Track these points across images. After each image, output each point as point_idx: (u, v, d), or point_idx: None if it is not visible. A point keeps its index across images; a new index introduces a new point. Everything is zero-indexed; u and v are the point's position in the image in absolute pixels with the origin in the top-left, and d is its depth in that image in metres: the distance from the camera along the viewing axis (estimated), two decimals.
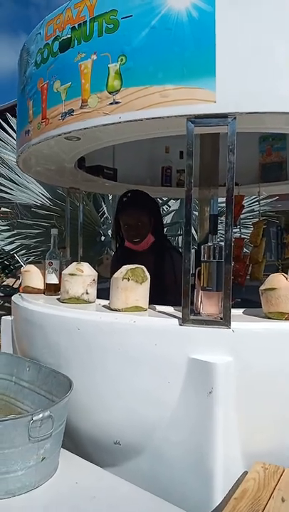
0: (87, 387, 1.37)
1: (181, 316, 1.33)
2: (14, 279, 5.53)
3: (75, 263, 1.68)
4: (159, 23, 1.27)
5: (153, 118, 1.28)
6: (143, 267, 1.47)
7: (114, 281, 1.45)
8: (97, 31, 1.36)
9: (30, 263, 2.01)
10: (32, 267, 1.96)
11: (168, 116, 1.27)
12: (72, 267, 1.65)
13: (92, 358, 1.38)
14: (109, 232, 4.12)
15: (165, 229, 4.33)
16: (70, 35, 1.44)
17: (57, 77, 1.48)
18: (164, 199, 4.58)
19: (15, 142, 4.89)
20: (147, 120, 1.29)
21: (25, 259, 4.93)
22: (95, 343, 1.37)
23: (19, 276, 5.25)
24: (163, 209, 4.52)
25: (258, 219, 3.19)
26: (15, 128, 5.02)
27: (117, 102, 1.32)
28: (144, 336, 1.29)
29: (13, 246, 5.00)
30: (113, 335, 1.34)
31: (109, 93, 1.33)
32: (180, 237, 4.73)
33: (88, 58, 1.38)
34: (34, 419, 1.10)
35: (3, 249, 5.66)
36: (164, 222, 4.30)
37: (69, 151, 1.80)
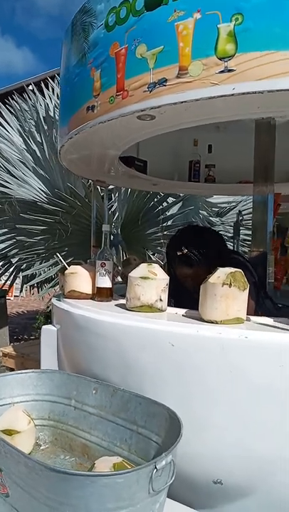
0: (183, 415, 1.12)
1: None
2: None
3: (144, 264, 1.42)
4: None
5: (278, 90, 1.06)
6: (241, 270, 1.24)
7: (209, 287, 1.21)
8: None
9: (74, 264, 1.74)
10: (79, 269, 1.69)
11: None
12: (143, 269, 1.40)
13: (191, 380, 1.14)
14: (119, 230, 3.86)
15: (166, 232, 4.10)
16: None
17: (141, 40, 1.23)
18: (169, 202, 4.35)
19: (8, 132, 4.56)
20: (269, 93, 1.07)
21: (17, 259, 4.59)
22: (195, 362, 1.13)
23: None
24: (166, 214, 4.22)
25: None
26: (5, 117, 4.68)
27: (230, 70, 1.09)
28: (263, 356, 1.06)
29: (2, 246, 4.64)
30: (219, 353, 1.10)
31: (220, 59, 1.10)
32: None
33: (189, 17, 1.14)
34: (157, 467, 0.85)
35: None
36: (163, 224, 4.06)
37: (131, 133, 1.54)
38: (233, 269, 1.22)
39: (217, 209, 5.44)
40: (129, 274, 1.42)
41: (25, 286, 4.84)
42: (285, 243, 2.72)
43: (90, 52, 1.41)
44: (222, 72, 1.10)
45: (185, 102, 1.15)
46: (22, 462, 0.89)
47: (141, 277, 1.37)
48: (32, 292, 4.97)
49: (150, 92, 1.21)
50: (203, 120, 1.39)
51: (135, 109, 1.25)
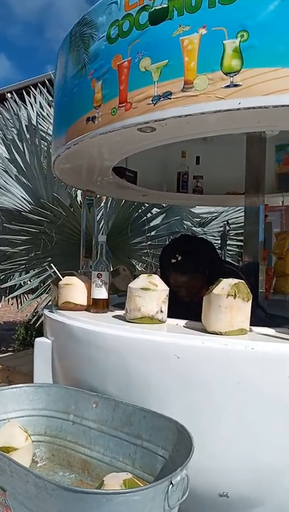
0: (189, 427, 1.11)
1: None
2: None
3: (144, 275, 1.42)
4: None
5: (282, 106, 1.08)
6: (244, 281, 1.25)
7: (214, 298, 1.21)
8: (208, 1, 1.14)
9: (68, 275, 1.71)
10: (74, 280, 1.66)
11: None
12: (143, 280, 1.39)
13: (198, 392, 1.13)
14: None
15: (150, 242, 4.11)
16: (166, 5, 1.21)
17: (145, 53, 1.24)
18: (154, 212, 4.36)
19: None
20: (274, 108, 1.09)
21: None
22: (201, 374, 1.13)
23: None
24: (150, 224, 4.24)
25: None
26: None
27: (235, 85, 1.11)
28: (271, 367, 1.07)
29: None
30: (226, 365, 1.10)
31: (225, 74, 1.12)
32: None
33: (194, 32, 1.16)
34: (173, 482, 0.84)
35: None
36: (148, 234, 4.07)
37: (128, 144, 1.54)
38: (236, 280, 1.23)
39: (199, 219, 5.49)
40: (129, 285, 1.41)
41: (3, 297, 4.72)
42: (272, 253, 2.77)
43: (91, 63, 1.41)
44: (228, 86, 1.11)
45: (190, 115, 1.17)
46: (31, 482, 0.86)
47: (142, 288, 1.36)
48: (11, 303, 4.84)
49: (154, 104, 1.21)
50: (202, 133, 1.41)
51: (138, 121, 1.25)
